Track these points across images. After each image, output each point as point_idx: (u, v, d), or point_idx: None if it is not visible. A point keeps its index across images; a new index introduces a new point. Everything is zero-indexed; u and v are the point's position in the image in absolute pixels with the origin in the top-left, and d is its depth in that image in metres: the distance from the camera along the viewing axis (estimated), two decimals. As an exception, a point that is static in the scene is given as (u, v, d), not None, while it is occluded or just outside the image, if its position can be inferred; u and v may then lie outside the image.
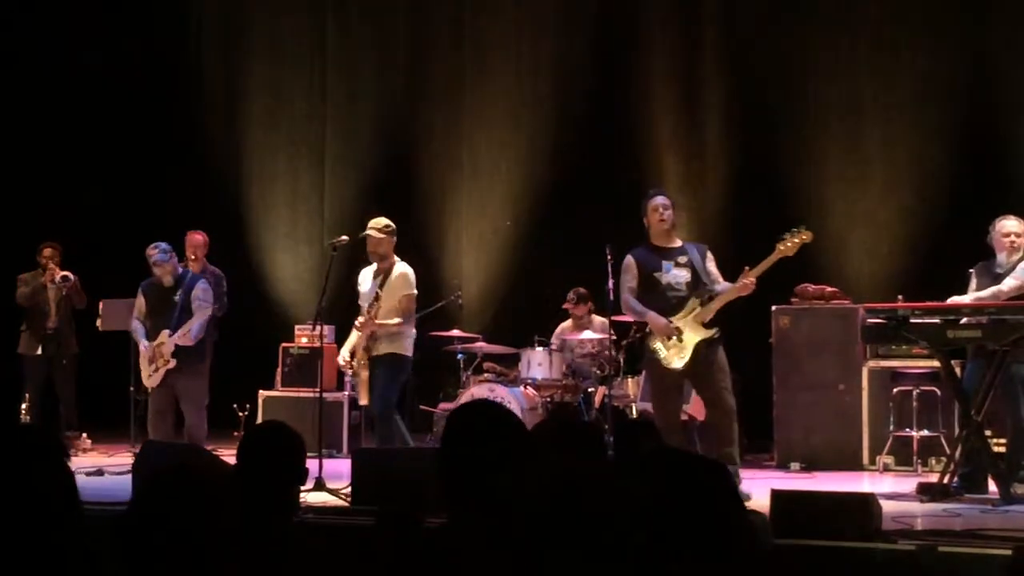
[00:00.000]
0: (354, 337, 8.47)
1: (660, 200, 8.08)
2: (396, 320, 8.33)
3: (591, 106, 12.28)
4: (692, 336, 7.79)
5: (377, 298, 8.34)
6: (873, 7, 11.40)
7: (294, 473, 3.57)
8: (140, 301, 9.11)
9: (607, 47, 12.31)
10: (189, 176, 13.06)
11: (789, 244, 7.72)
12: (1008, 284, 7.76)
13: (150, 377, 8.88)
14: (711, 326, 7.81)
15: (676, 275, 7.93)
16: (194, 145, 13.38)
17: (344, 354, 8.55)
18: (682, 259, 7.96)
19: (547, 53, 12.58)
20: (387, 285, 8.44)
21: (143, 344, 8.95)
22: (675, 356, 7.82)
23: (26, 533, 2.29)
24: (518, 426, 3.19)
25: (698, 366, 7.77)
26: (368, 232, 8.50)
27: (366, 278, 8.65)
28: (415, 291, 8.55)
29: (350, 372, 8.67)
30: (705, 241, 10.28)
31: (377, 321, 8.28)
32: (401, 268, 8.55)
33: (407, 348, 8.49)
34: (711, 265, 8.02)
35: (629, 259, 8.09)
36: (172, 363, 8.77)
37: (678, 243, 8.09)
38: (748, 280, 7.70)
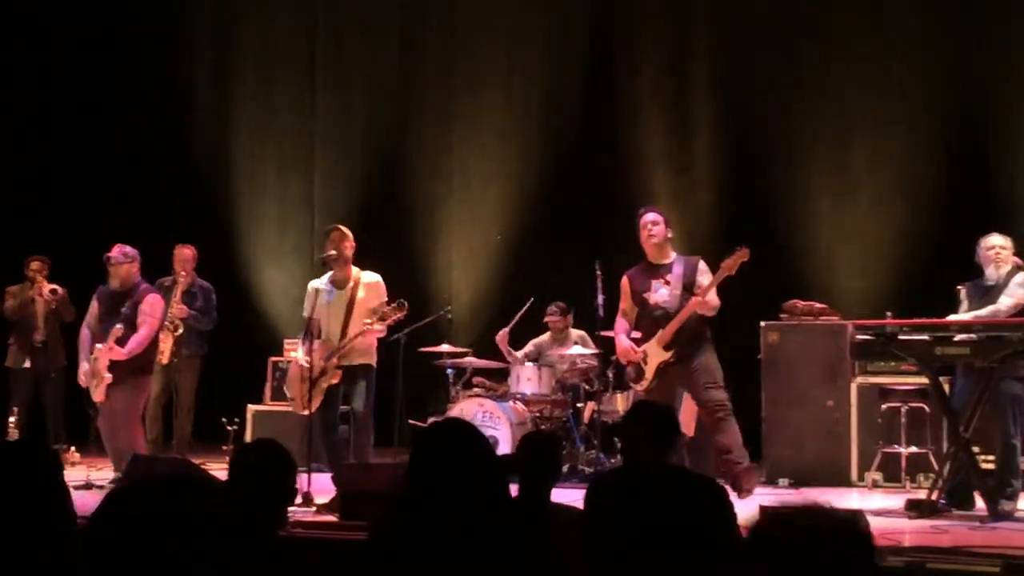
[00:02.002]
0: (316, 346, 8.32)
1: (648, 217, 8.21)
2: (380, 326, 8.27)
3: (581, 121, 12.30)
4: (654, 359, 8.06)
5: (351, 307, 8.29)
6: (862, 22, 11.43)
7: (283, 491, 3.58)
8: (93, 306, 8.89)
9: (597, 61, 12.34)
10: (178, 189, 13.04)
11: (730, 261, 7.95)
12: (1005, 303, 7.76)
13: (95, 391, 8.69)
14: (673, 348, 7.94)
15: (662, 293, 8.10)
16: (183, 158, 13.36)
17: (303, 360, 8.33)
18: (668, 276, 8.06)
19: (537, 67, 12.60)
20: (362, 292, 8.37)
21: (84, 361, 8.72)
22: (641, 379, 8.11)
23: (21, 548, 2.28)
24: (484, 453, 3.18)
25: (670, 382, 8.01)
26: (348, 243, 8.42)
27: (325, 289, 8.45)
28: None
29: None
30: (693, 255, 10.31)
31: (363, 329, 8.18)
32: (372, 275, 8.51)
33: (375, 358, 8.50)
34: (704, 278, 8.06)
35: (623, 280, 8.25)
36: (108, 378, 8.53)
37: (669, 259, 8.17)
38: (696, 298, 7.94)
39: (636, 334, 8.50)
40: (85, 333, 8.87)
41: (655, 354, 8.03)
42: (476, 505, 3.00)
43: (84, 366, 8.69)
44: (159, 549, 2.36)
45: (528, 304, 10.46)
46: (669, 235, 8.30)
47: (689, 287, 8.09)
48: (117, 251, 8.80)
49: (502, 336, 10.50)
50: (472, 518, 2.98)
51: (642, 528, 2.11)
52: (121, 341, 8.56)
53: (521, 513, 3.76)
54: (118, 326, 8.56)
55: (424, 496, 3.05)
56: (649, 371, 8.05)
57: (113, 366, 8.54)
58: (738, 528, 2.35)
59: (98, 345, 8.61)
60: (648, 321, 8.06)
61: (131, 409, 8.71)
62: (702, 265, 8.17)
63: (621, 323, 8.36)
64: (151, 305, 8.78)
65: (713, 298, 8.09)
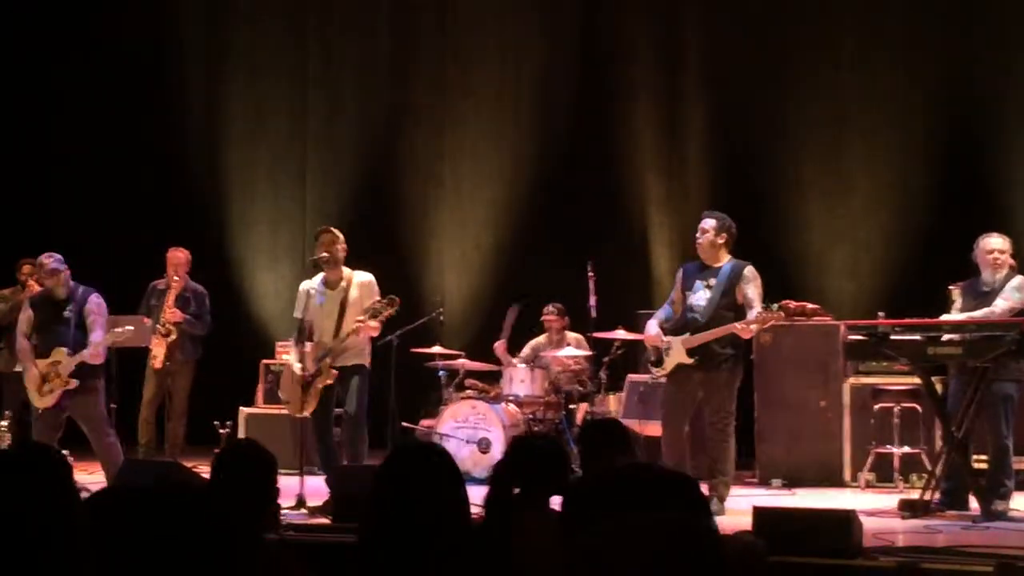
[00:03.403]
0: (308, 347, 8.30)
1: (702, 223, 8.24)
2: (374, 323, 8.27)
3: (573, 124, 12.30)
4: (675, 356, 7.96)
5: (344, 307, 8.30)
6: (855, 25, 11.44)
7: (265, 492, 3.57)
8: (28, 314, 8.75)
9: (589, 65, 12.33)
10: (170, 194, 13.02)
11: (765, 316, 7.80)
12: (1000, 306, 7.74)
13: (42, 398, 8.52)
14: (696, 356, 7.89)
15: (699, 297, 8.05)
16: (175, 163, 13.33)
17: (296, 366, 8.34)
18: (712, 280, 8.02)
19: (529, 71, 12.60)
20: (355, 292, 8.38)
21: (33, 366, 8.55)
22: (660, 369, 8.07)
23: (33, 552, 2.27)
24: (450, 479, 3.18)
25: (687, 379, 7.95)
26: (339, 244, 8.42)
27: (317, 290, 8.44)
28: None
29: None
30: (686, 259, 10.33)
31: (357, 326, 8.17)
32: (365, 274, 8.50)
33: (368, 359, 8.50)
34: (749, 288, 7.96)
35: (679, 271, 8.39)
36: (72, 383, 8.40)
37: (719, 263, 8.10)
38: (738, 325, 7.82)
39: None
40: (24, 343, 8.71)
41: (677, 352, 7.95)
42: (436, 534, 2.99)
43: (34, 371, 8.57)
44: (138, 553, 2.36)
45: (514, 314, 10.43)
46: (719, 241, 8.10)
47: (729, 293, 7.97)
48: (51, 259, 8.65)
49: (500, 347, 10.48)
50: (431, 548, 2.98)
51: (611, 529, 2.10)
52: (76, 349, 8.50)
53: (487, 539, 3.75)
54: (95, 335, 8.49)
55: (385, 522, 3.04)
56: (668, 364, 8.01)
57: (79, 373, 8.41)
58: (713, 522, 2.35)
59: (63, 349, 8.46)
60: (682, 319, 8.07)
61: (100, 412, 8.66)
62: (747, 271, 8.01)
63: (663, 310, 8.32)
64: (97, 306, 8.65)
65: (742, 325, 7.85)
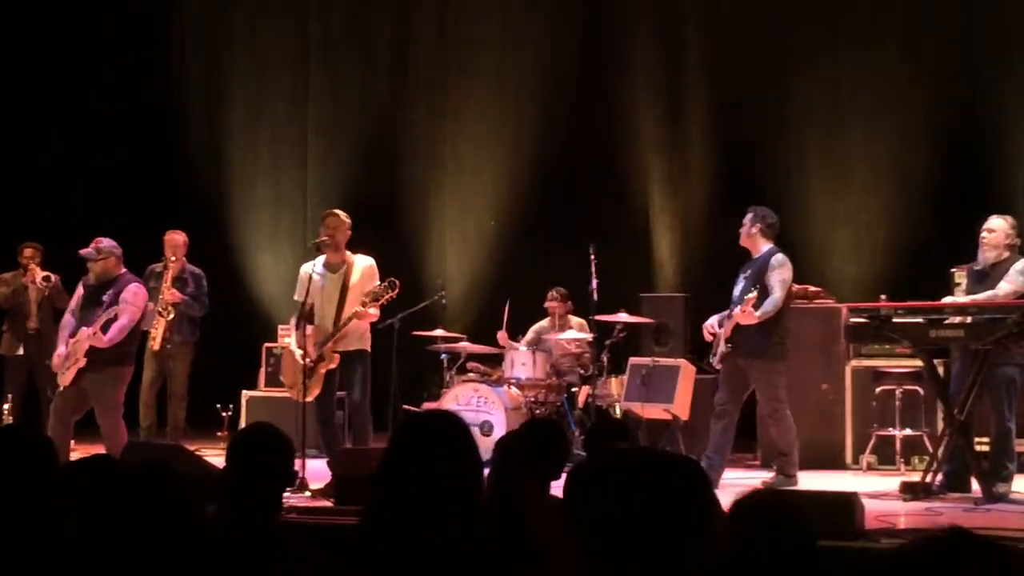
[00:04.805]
0: (309, 331, 8.31)
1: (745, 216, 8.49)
2: (374, 308, 8.28)
3: (575, 106, 12.28)
4: (721, 344, 8.29)
5: (345, 291, 8.30)
6: (856, 7, 11.42)
7: (282, 475, 3.58)
8: (78, 293, 8.78)
9: (590, 48, 12.31)
10: (171, 176, 13.01)
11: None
12: (1004, 289, 7.75)
13: (64, 376, 8.56)
14: (732, 342, 8.23)
15: (737, 286, 8.38)
16: (176, 145, 13.33)
17: (298, 353, 8.31)
18: (750, 270, 8.35)
19: (531, 52, 12.58)
20: (356, 275, 8.38)
21: (63, 343, 8.60)
22: (714, 358, 8.44)
23: (16, 533, 2.28)
24: (466, 450, 3.16)
25: (734, 367, 8.30)
26: (344, 229, 8.41)
27: (319, 272, 8.42)
28: None
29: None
30: (688, 242, 10.36)
31: (358, 310, 8.17)
32: (366, 258, 8.50)
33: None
34: (772, 275, 8.21)
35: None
36: (83, 362, 8.41)
37: (758, 253, 8.38)
38: (736, 313, 8.18)
39: None
40: (68, 319, 8.76)
41: (723, 340, 8.27)
42: (449, 503, 2.99)
43: (61, 349, 8.59)
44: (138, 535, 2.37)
45: (508, 306, 10.41)
46: (754, 231, 8.37)
47: (759, 281, 8.22)
48: (91, 248, 8.67)
49: (502, 337, 10.47)
50: (443, 517, 2.97)
51: (620, 514, 2.10)
52: (105, 328, 8.50)
53: (497, 513, 3.76)
54: (110, 309, 8.50)
55: (397, 487, 3.03)
56: (718, 352, 8.34)
57: (91, 353, 8.42)
58: (718, 505, 2.36)
59: (84, 329, 8.51)
60: (729, 310, 8.34)
61: (113, 399, 8.60)
62: (774, 260, 8.25)
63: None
64: (133, 294, 8.62)
65: (758, 312, 8.10)
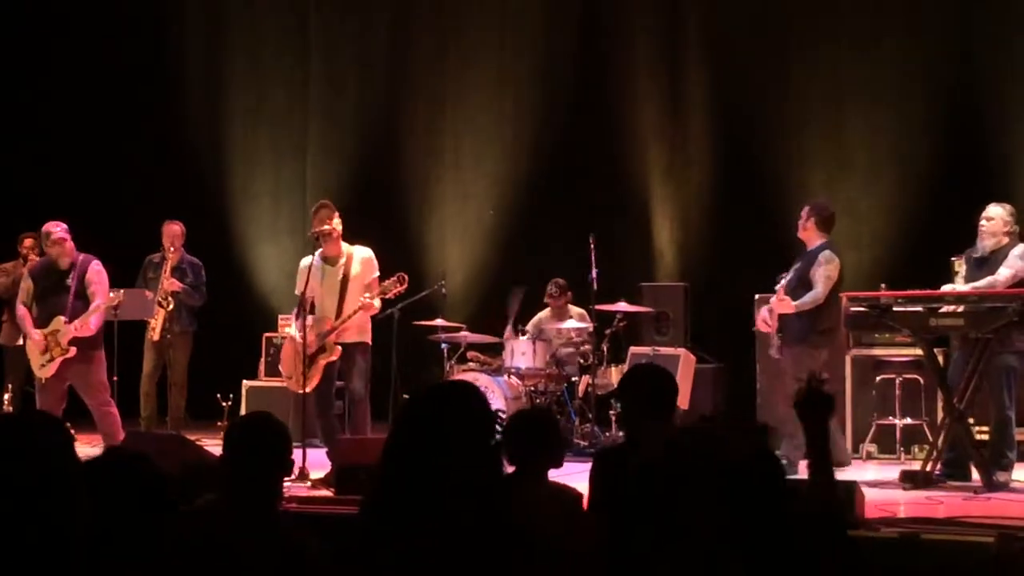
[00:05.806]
0: (310, 321, 8.31)
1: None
2: (377, 302, 8.30)
3: (575, 97, 12.25)
4: (773, 334, 8.50)
5: (346, 284, 8.30)
6: (855, -1, 11.40)
7: (280, 463, 3.58)
8: (27, 285, 8.79)
9: (590, 38, 12.28)
10: (171, 167, 13.00)
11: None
12: (1003, 275, 7.75)
13: (43, 367, 8.59)
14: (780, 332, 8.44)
15: (786, 279, 8.48)
16: (176, 135, 13.31)
17: (298, 334, 8.27)
18: (799, 263, 8.50)
19: (531, 42, 12.55)
20: (356, 267, 8.37)
21: (33, 333, 8.61)
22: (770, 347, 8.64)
23: (37, 518, 2.28)
24: (485, 419, 3.15)
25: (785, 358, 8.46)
26: (336, 223, 8.40)
27: (317, 266, 8.42)
28: None
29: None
30: (689, 231, 10.33)
31: (362, 303, 8.18)
32: (364, 249, 8.50)
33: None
34: (817, 270, 8.33)
35: None
36: (71, 352, 8.44)
37: (812, 246, 8.49)
38: (774, 301, 8.43)
39: None
40: (23, 310, 8.75)
41: (774, 332, 8.45)
42: (466, 467, 2.98)
43: (36, 336, 8.60)
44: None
45: (517, 298, 10.40)
46: (809, 225, 8.51)
47: (803, 274, 8.35)
48: (57, 228, 8.67)
49: (508, 333, 10.45)
50: (460, 481, 2.96)
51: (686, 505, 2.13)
52: (75, 317, 8.50)
53: (512, 487, 3.75)
54: (96, 303, 8.51)
55: (411, 453, 3.03)
56: (775, 340, 8.49)
57: (75, 342, 8.45)
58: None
59: (61, 318, 8.50)
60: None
61: (100, 379, 8.67)
62: (822, 256, 8.34)
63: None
64: (97, 274, 8.68)
65: (796, 302, 8.25)
